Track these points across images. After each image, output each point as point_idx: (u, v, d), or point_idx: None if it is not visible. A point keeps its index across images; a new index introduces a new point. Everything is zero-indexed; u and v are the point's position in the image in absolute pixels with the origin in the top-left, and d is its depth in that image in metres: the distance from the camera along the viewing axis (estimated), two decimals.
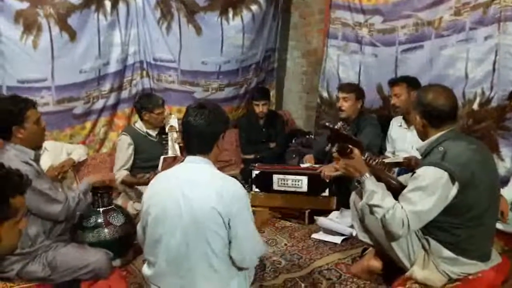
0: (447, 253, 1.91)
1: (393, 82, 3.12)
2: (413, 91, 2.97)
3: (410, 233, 1.89)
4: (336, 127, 2.06)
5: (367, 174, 1.97)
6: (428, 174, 1.82)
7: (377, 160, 2.15)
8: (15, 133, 2.08)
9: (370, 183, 1.95)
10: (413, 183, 1.87)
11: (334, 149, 2.06)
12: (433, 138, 1.93)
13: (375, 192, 1.91)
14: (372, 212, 1.92)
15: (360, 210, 2.10)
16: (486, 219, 1.92)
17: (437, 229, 1.92)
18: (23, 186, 1.25)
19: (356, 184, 2.07)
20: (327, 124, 2.12)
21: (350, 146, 2.00)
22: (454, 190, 1.80)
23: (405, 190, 1.90)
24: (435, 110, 1.91)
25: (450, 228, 1.89)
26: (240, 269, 1.71)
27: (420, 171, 1.87)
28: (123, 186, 3.27)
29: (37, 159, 2.19)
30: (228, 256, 1.65)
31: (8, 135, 2.09)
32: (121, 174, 3.24)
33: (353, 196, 2.27)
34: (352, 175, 2.03)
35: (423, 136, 2.01)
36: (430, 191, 1.80)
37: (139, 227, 1.85)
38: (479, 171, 1.84)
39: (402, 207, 1.83)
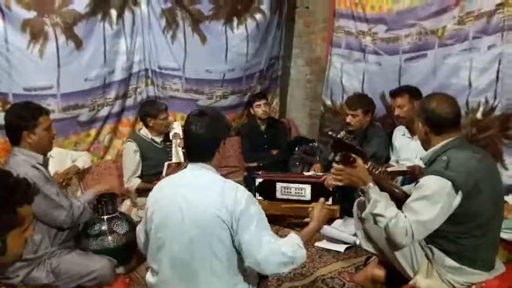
0: (451, 262, 1.90)
1: (394, 94, 3.11)
2: (415, 101, 2.97)
3: (414, 242, 1.89)
4: (339, 136, 2.06)
5: (371, 184, 1.96)
6: (432, 183, 1.81)
7: (380, 169, 2.15)
8: (25, 138, 2.13)
9: (373, 192, 1.94)
10: (417, 192, 1.86)
11: (337, 158, 2.06)
12: (437, 147, 1.93)
13: (378, 201, 1.90)
14: (375, 222, 1.92)
15: (363, 219, 2.10)
16: (491, 228, 1.91)
17: (441, 238, 1.91)
18: (30, 195, 1.25)
19: (359, 193, 2.07)
20: (330, 133, 2.12)
21: (353, 155, 2.01)
22: (458, 199, 1.80)
23: (408, 200, 1.89)
24: (437, 118, 1.91)
25: (454, 238, 1.88)
26: (244, 276, 1.70)
27: (423, 180, 1.86)
28: (136, 194, 3.28)
29: (45, 164, 2.22)
30: (232, 262, 1.64)
31: (17, 140, 2.14)
32: (134, 182, 3.27)
33: (357, 204, 2.27)
34: (355, 185, 2.02)
35: (425, 144, 2.01)
36: (433, 200, 1.79)
37: (139, 230, 1.86)
38: (483, 180, 1.83)
39: (405, 216, 1.83)
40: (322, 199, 1.95)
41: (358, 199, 2.23)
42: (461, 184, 1.78)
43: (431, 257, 1.95)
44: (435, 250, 1.94)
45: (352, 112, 3.31)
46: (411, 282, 1.98)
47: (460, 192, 1.79)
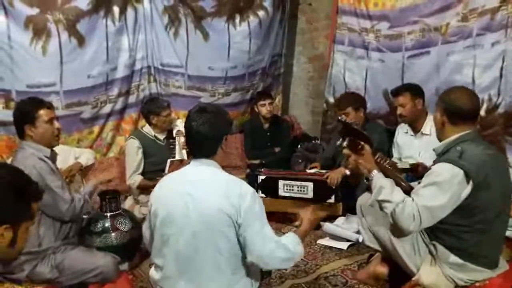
0: (454, 258, 1.91)
1: (396, 93, 3.08)
2: (417, 98, 2.97)
3: (420, 228, 1.87)
4: (348, 121, 2.08)
5: (375, 171, 1.98)
6: (444, 171, 1.82)
7: (387, 161, 2.16)
8: (27, 131, 2.17)
9: (378, 179, 1.95)
10: (428, 178, 1.86)
11: (345, 144, 2.07)
12: (451, 138, 1.93)
13: (383, 187, 1.91)
14: (381, 208, 1.92)
15: (364, 211, 2.11)
16: (496, 225, 1.91)
17: (444, 233, 1.92)
18: (41, 192, 1.32)
19: (365, 181, 2.09)
20: (339, 117, 2.14)
21: (361, 142, 2.01)
22: (468, 189, 1.80)
23: (418, 186, 1.90)
24: (456, 108, 1.91)
25: (458, 233, 1.89)
26: (247, 272, 1.70)
27: (435, 167, 1.87)
28: (138, 191, 3.29)
29: (53, 158, 2.25)
30: (235, 258, 1.65)
31: (22, 134, 2.18)
32: (136, 179, 3.27)
33: (360, 201, 2.27)
34: (360, 171, 2.04)
35: (441, 134, 2.01)
36: (444, 187, 1.79)
37: (145, 228, 1.86)
38: (493, 176, 1.83)
39: (413, 200, 1.82)
40: (312, 206, 2.02)
41: (361, 196, 2.24)
42: (473, 175, 1.78)
43: (435, 254, 1.95)
44: (438, 246, 1.95)
45: (343, 111, 3.28)
46: (414, 279, 1.98)
47: (470, 182, 1.79)
